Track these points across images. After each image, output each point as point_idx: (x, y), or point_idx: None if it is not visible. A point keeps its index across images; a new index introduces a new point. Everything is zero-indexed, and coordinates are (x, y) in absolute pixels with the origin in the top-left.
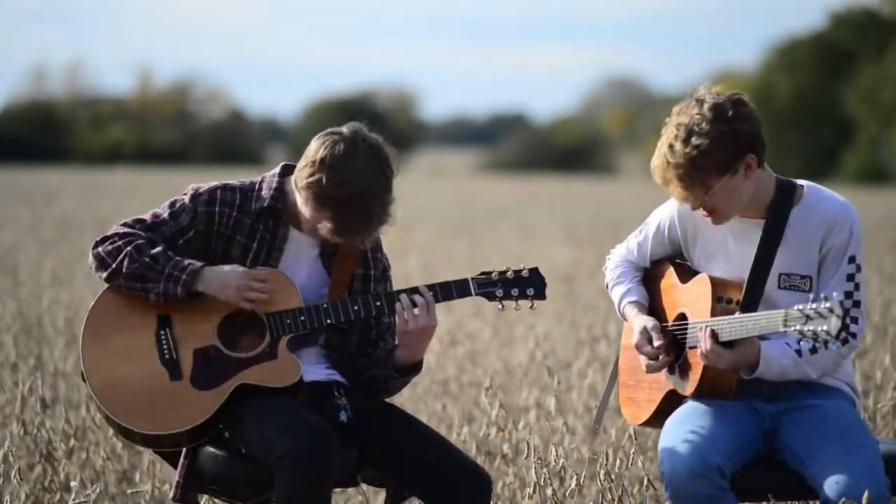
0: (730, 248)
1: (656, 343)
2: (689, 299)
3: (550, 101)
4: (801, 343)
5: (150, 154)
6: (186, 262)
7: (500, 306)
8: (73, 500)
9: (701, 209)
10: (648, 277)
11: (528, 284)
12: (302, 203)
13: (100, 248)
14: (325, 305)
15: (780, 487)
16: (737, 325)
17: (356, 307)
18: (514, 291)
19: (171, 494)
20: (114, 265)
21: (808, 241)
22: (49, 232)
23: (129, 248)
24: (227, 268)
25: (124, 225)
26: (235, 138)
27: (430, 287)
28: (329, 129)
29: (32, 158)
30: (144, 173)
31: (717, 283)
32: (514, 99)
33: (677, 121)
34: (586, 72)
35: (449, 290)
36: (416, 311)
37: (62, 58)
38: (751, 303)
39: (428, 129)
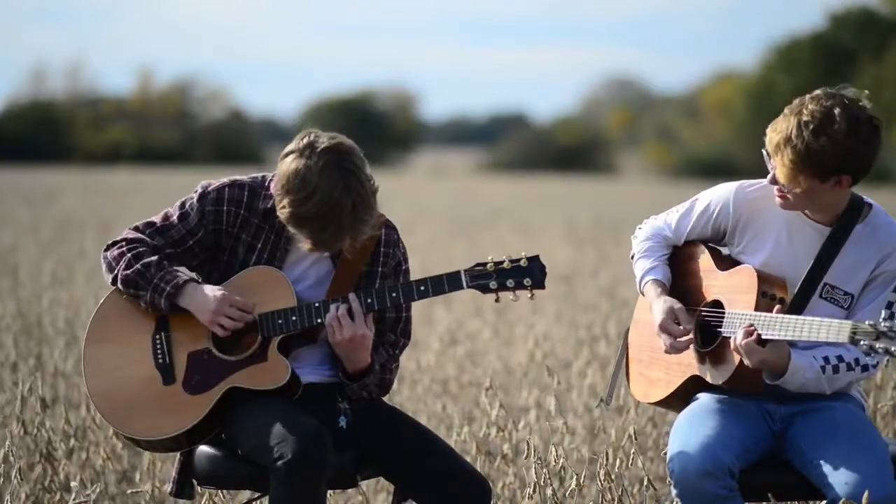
0: (782, 243)
1: (684, 325)
2: (728, 288)
3: (550, 101)
4: (825, 359)
5: (150, 154)
6: (175, 275)
7: (496, 298)
8: (73, 500)
9: (777, 188)
10: (678, 257)
11: (526, 274)
12: None
13: (107, 253)
14: (316, 304)
15: (785, 487)
16: (791, 325)
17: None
18: (510, 282)
19: (169, 490)
20: (115, 270)
21: (863, 261)
22: (49, 232)
23: (128, 255)
24: (208, 289)
25: (134, 229)
26: (235, 138)
27: (421, 281)
28: (285, 150)
29: (32, 158)
30: (144, 173)
31: (763, 277)
32: (514, 99)
33: (819, 106)
34: (586, 72)
35: (440, 284)
36: (340, 320)
37: (62, 58)
38: (798, 305)
39: (428, 129)
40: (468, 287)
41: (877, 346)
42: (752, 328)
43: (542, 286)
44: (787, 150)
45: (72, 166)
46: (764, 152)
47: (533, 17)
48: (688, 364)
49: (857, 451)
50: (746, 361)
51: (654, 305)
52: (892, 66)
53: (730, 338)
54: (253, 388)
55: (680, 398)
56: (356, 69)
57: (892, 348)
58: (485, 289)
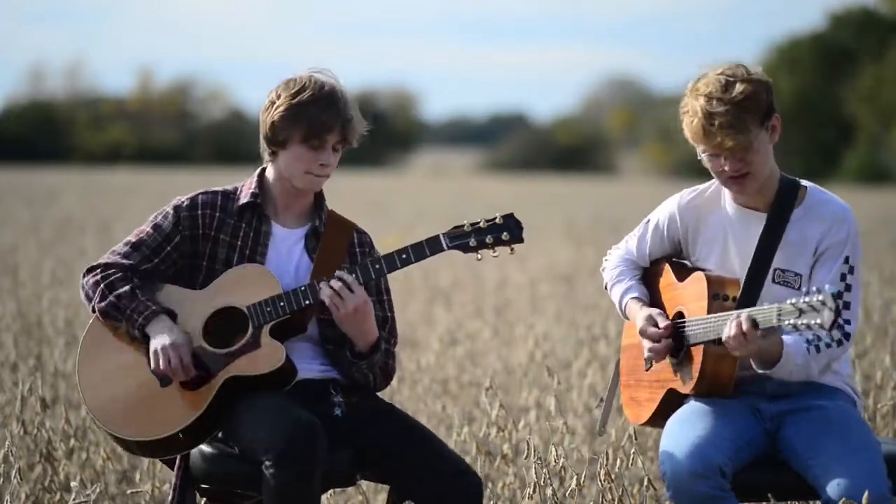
0: (729, 241)
1: (662, 324)
2: (685, 297)
3: (550, 101)
4: (808, 341)
5: (150, 154)
6: (147, 305)
7: (478, 256)
8: (73, 500)
9: (729, 169)
10: (647, 276)
11: (503, 230)
12: (280, 162)
13: (84, 280)
14: (302, 288)
15: (781, 487)
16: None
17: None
18: (489, 239)
19: (170, 499)
20: (92, 301)
21: (807, 241)
22: (49, 232)
23: (102, 285)
24: (175, 329)
25: (112, 252)
26: (235, 138)
27: (403, 250)
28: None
29: (32, 158)
30: (144, 173)
31: (712, 281)
32: (514, 99)
33: (705, 89)
34: (586, 72)
35: (421, 249)
36: (340, 294)
37: (62, 58)
38: (749, 300)
39: (428, 129)
40: (449, 248)
41: (799, 323)
42: (747, 318)
43: (520, 240)
44: (718, 121)
45: (72, 166)
46: (702, 157)
47: (533, 17)
48: (664, 379)
49: (849, 450)
50: (739, 353)
51: (636, 319)
52: (892, 66)
53: (694, 346)
54: (251, 374)
55: (663, 414)
56: (356, 69)
57: (814, 321)
58: (465, 248)
